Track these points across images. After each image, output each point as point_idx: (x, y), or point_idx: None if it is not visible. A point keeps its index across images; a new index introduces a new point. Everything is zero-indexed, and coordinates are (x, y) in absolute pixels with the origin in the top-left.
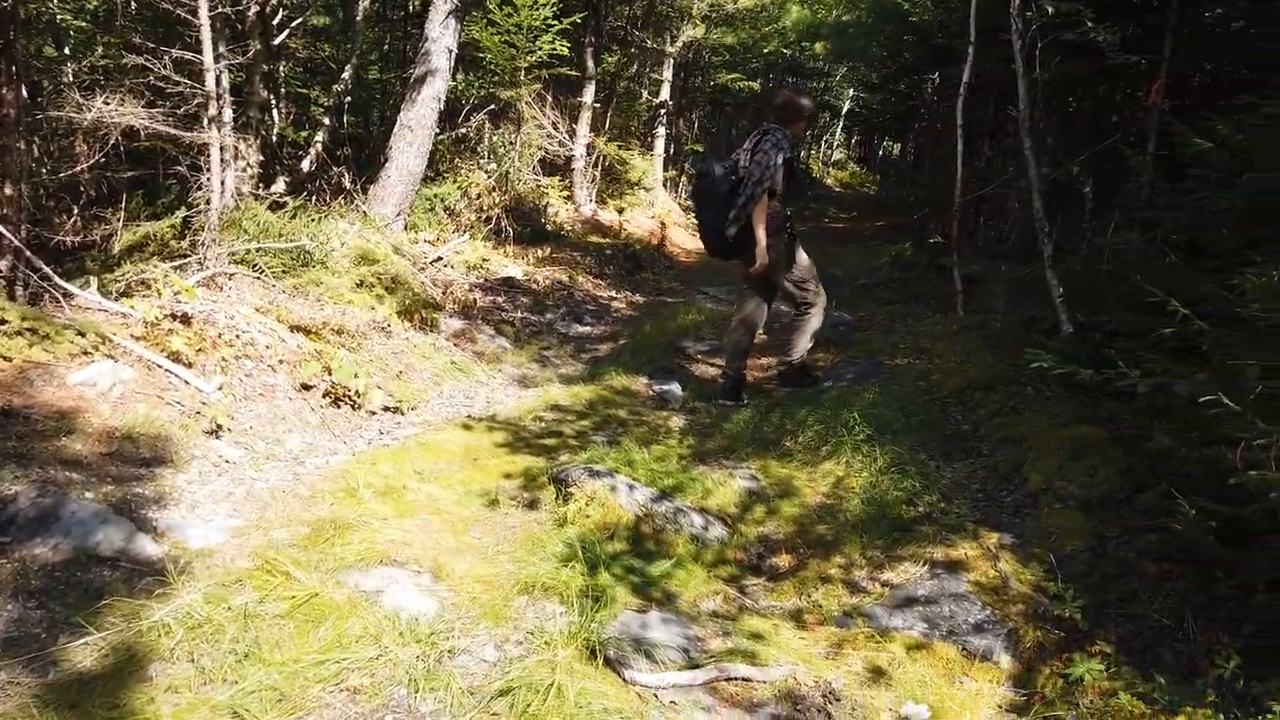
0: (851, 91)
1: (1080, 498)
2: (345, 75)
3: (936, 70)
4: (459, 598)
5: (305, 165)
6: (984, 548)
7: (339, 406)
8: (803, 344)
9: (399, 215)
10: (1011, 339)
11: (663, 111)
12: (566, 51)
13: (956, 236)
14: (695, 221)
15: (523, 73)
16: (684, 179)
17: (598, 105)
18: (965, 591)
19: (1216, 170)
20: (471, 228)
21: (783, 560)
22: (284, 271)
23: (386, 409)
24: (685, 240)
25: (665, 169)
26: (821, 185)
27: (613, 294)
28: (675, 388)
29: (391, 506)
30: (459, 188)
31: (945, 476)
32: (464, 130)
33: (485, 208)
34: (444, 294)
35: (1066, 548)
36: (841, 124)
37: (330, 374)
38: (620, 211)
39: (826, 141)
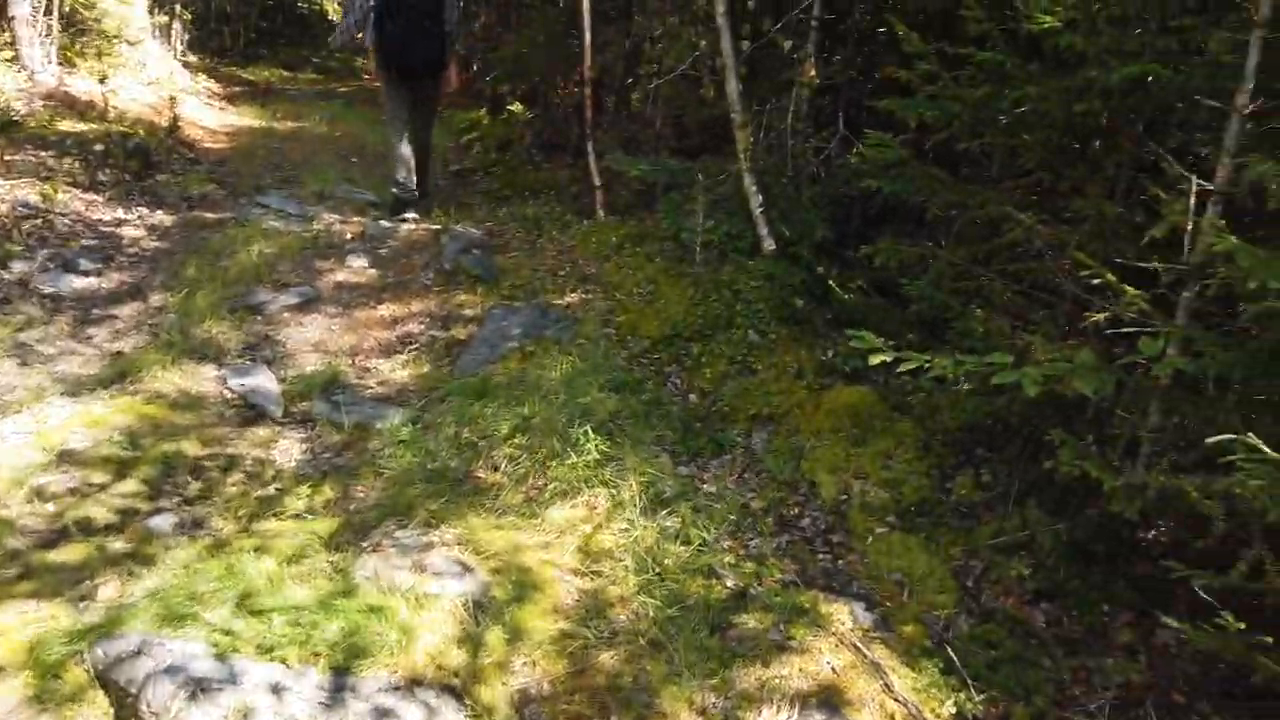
0: None
1: (895, 508)
2: None
3: None
4: None
5: None
6: (846, 644)
7: None
8: None
9: None
10: (703, 259)
11: None
12: None
13: (592, 116)
14: (392, 28)
15: None
16: (178, 26)
17: None
18: None
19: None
20: None
21: None
22: None
23: None
24: (207, 116)
25: (152, 12)
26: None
27: (120, 215)
28: (266, 380)
29: None
30: None
31: (715, 494)
32: None
33: None
34: None
35: (938, 613)
36: None
37: None
38: (103, 79)
39: None
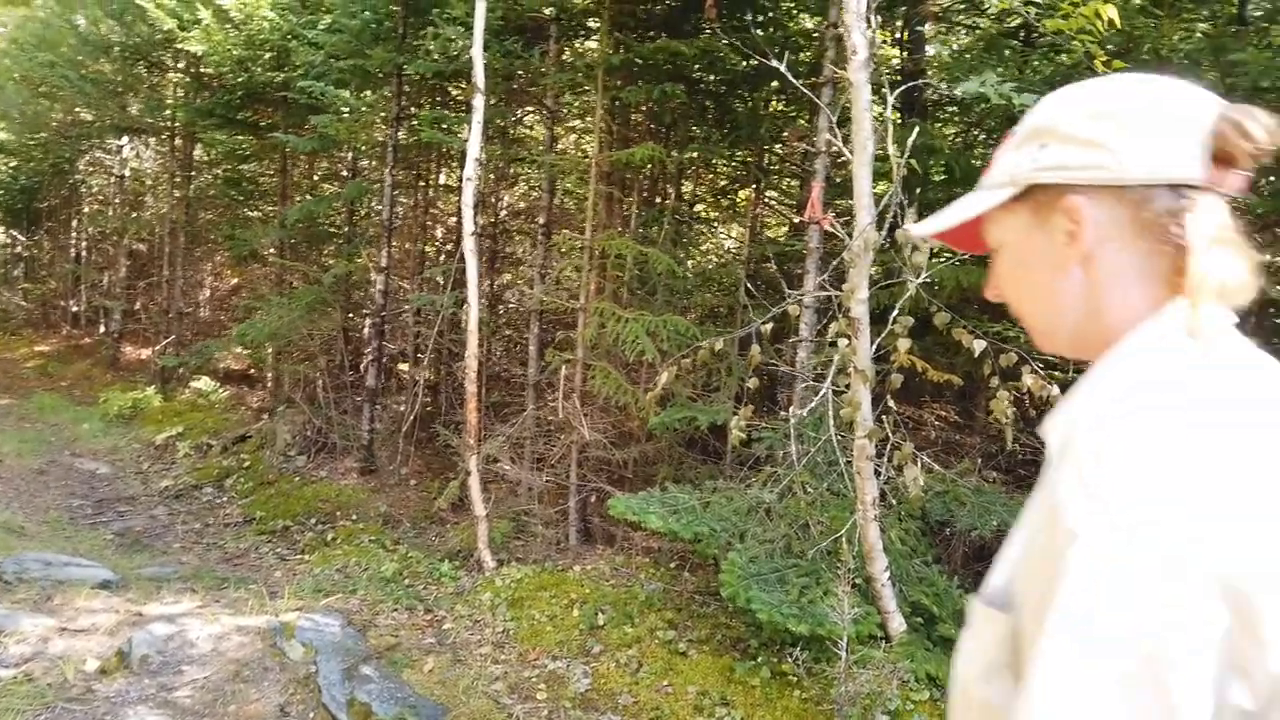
0: None
1: None
2: None
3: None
4: None
5: None
6: None
7: None
8: None
9: None
10: (802, 658)
11: None
12: None
13: (477, 420)
14: None
15: None
16: None
17: None
18: None
19: None
20: None
21: None
22: None
23: None
24: None
25: None
26: None
27: None
28: None
29: None
30: None
31: None
32: None
33: None
34: None
35: None
36: None
37: None
38: None
39: None
